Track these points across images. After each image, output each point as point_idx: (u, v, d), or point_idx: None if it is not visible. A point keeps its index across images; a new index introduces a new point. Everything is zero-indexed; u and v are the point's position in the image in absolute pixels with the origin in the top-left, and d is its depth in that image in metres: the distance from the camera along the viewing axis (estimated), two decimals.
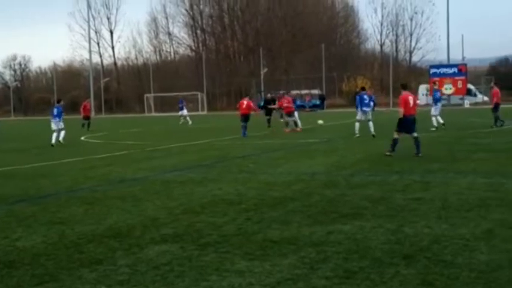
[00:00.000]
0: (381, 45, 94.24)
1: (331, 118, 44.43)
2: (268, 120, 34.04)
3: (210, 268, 6.09)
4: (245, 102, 28.95)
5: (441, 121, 27.94)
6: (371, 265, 6.02)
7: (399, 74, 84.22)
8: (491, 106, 28.67)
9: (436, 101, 28.84)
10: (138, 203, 10.19)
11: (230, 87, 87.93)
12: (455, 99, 68.66)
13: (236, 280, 5.67)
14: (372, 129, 23.70)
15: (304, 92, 71.51)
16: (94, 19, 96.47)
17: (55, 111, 26.07)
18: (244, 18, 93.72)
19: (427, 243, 6.80)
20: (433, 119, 28.14)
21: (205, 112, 74.63)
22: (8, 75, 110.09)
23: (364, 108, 24.18)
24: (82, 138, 29.99)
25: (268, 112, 34.72)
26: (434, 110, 28.45)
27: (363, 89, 27.21)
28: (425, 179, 11.86)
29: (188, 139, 26.21)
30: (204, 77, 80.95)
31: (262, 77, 79.42)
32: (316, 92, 73.99)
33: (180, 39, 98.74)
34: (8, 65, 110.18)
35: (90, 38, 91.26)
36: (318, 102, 70.33)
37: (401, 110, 16.82)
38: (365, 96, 24.64)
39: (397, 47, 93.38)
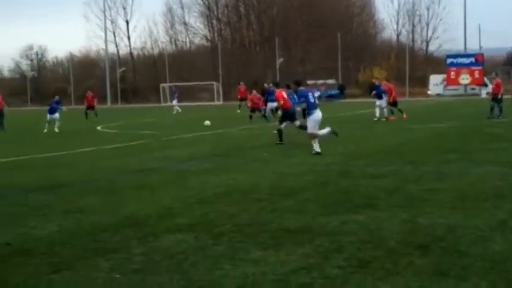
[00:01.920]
0: (398, 35, 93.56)
1: (348, 108, 44.31)
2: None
3: (224, 257, 6.12)
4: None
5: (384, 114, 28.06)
6: (385, 255, 6.02)
7: (416, 63, 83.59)
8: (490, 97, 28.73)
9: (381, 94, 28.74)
10: (153, 192, 10.24)
11: (246, 77, 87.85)
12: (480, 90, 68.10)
13: (250, 269, 5.70)
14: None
15: (320, 82, 71.15)
16: (110, 9, 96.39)
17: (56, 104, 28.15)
18: (260, 7, 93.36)
19: (442, 233, 6.79)
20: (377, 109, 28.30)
21: (220, 102, 74.61)
22: (24, 65, 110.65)
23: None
24: (98, 128, 30.13)
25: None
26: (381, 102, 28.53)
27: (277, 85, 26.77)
28: (440, 169, 11.82)
29: (203, 129, 26.25)
30: (219, 67, 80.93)
31: (277, 66, 79.23)
32: (332, 81, 73.65)
33: (196, 29, 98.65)
34: (25, 55, 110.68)
35: (106, 28, 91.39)
36: (333, 92, 69.92)
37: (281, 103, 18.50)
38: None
39: (413, 37, 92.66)
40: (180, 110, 45.18)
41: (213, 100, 75.28)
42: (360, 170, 12.01)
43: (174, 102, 47.21)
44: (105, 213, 8.56)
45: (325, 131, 15.97)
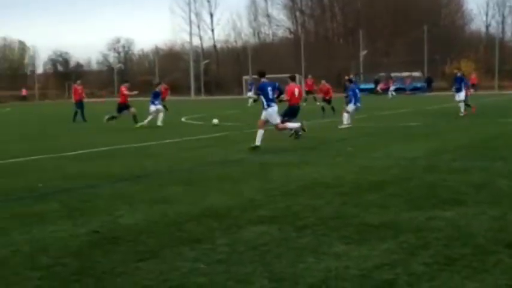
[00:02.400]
0: (487, 27, 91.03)
1: (434, 101, 43.35)
2: None
3: (307, 250, 6.09)
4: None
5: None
6: (473, 252, 5.84)
7: (505, 56, 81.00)
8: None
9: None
10: (236, 184, 10.31)
11: (329, 70, 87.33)
12: None
13: (333, 263, 5.65)
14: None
15: (405, 74, 69.84)
16: (195, 2, 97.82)
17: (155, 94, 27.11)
18: None
19: None
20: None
21: (303, 95, 74.49)
22: (112, 58, 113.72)
23: None
24: (182, 119, 30.63)
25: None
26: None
27: (350, 81, 25.98)
28: None
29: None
30: (302, 60, 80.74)
31: (361, 59, 78.38)
32: (417, 74, 72.16)
33: (279, 22, 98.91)
34: (112, 48, 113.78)
35: (190, 21, 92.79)
36: (419, 85, 68.47)
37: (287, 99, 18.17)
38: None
39: (503, 28, 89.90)
40: (254, 103, 44.34)
41: None
42: (446, 165, 11.72)
43: (250, 94, 47.25)
44: (189, 203, 8.68)
45: (294, 125, 16.47)
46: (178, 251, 6.21)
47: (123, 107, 26.94)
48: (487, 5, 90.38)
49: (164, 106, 38.60)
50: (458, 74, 29.20)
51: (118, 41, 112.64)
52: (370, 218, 7.38)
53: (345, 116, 22.18)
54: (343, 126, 21.56)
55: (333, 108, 29.46)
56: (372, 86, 68.90)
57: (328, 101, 30.87)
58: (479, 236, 6.39)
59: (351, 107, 22.65)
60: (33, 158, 15.11)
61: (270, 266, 5.64)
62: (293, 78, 19.72)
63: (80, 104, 31.62)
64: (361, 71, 77.19)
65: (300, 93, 19.24)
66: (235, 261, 5.80)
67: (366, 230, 6.84)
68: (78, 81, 34.80)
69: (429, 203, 8.15)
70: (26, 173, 12.45)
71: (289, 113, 18.77)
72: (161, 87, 39.71)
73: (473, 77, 65.55)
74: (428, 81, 71.46)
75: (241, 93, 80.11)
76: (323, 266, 5.57)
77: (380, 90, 65.37)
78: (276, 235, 6.74)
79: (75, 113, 31.23)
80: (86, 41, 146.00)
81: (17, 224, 7.59)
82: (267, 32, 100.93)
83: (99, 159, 14.64)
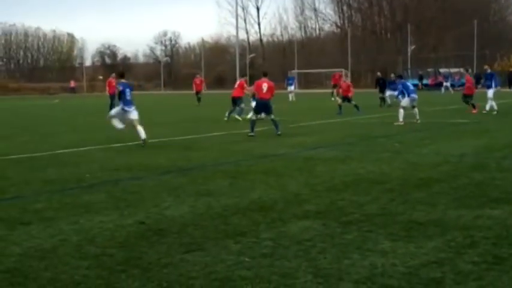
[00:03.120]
0: None
1: (482, 98, 42.56)
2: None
3: (352, 246, 6.05)
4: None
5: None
6: None
7: None
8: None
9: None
10: (280, 178, 10.30)
11: (375, 65, 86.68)
12: None
13: (379, 260, 5.60)
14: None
15: (453, 70, 68.72)
16: None
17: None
18: None
19: None
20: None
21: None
22: (158, 51, 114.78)
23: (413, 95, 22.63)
24: (226, 113, 30.68)
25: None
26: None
27: (400, 76, 25.85)
28: None
29: (330, 116, 26.13)
30: (349, 54, 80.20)
31: (409, 54, 77.46)
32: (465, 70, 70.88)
33: (326, 16, 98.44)
34: (159, 41, 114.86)
35: (237, 15, 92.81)
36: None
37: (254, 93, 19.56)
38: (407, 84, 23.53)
39: None
40: (294, 98, 42.80)
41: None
42: (495, 163, 11.50)
43: (291, 88, 45.63)
44: (234, 196, 8.70)
45: (119, 126, 16.35)
46: (223, 244, 6.24)
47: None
48: None
49: (199, 99, 38.73)
50: (489, 71, 28.77)
51: (165, 34, 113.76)
52: (417, 216, 7.29)
53: (401, 112, 21.82)
54: (398, 123, 21.27)
55: (356, 107, 27.79)
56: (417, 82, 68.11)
57: (349, 100, 28.65)
58: None
59: (405, 101, 22.32)
60: (81, 149, 15.36)
61: (315, 261, 5.62)
62: (265, 74, 19.99)
63: (114, 96, 32.02)
64: (409, 66, 76.26)
65: (269, 88, 19.07)
66: (280, 256, 5.80)
67: (413, 227, 6.76)
68: (113, 74, 35.03)
69: (477, 202, 8.01)
70: (75, 163, 12.64)
71: (257, 107, 19.46)
72: (195, 79, 39.67)
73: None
74: (477, 78, 70.24)
75: (286, 88, 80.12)
76: (368, 263, 5.53)
77: (421, 87, 64.34)
78: (321, 230, 6.71)
79: (111, 105, 31.57)
80: (134, 34, 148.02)
81: (65, 214, 7.72)
82: (313, 26, 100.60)
83: (145, 151, 14.78)
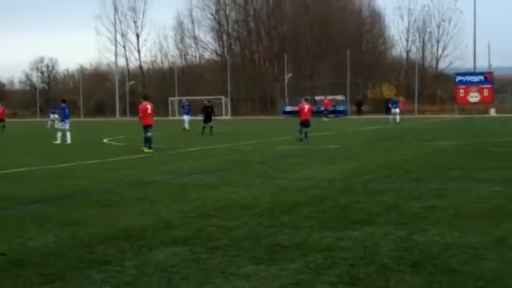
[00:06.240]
0: (407, 52, 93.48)
1: (354, 125, 44.26)
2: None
3: (216, 271, 6.11)
4: (306, 107, 27.03)
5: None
6: (377, 271, 6.00)
7: (425, 80, 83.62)
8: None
9: None
10: (153, 205, 10.24)
11: (254, 92, 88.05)
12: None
13: (241, 283, 5.68)
14: None
15: (328, 97, 70.98)
16: (121, 22, 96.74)
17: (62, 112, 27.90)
18: (269, 23, 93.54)
19: (436, 251, 6.76)
20: None
21: (229, 117, 74.73)
22: (35, 77, 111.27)
23: None
24: (104, 140, 30.22)
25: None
26: None
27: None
28: (443, 186, 11.78)
29: (209, 143, 26.29)
30: (228, 82, 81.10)
31: (286, 82, 79.34)
32: (340, 97, 73.48)
33: (206, 44, 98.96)
34: (36, 67, 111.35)
35: (116, 41, 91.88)
36: (342, 108, 69.70)
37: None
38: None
39: (423, 54, 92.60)
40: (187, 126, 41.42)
41: (221, 115, 75.41)
42: (362, 186, 11.98)
43: (186, 117, 42.36)
44: (103, 225, 8.56)
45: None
46: (86, 273, 6.12)
47: None
48: (408, 31, 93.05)
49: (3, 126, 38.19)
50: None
51: (41, 60, 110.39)
52: (282, 239, 7.47)
53: None
54: None
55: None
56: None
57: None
58: (385, 256, 6.57)
59: None
60: None
61: (177, 287, 5.63)
62: (146, 98, 23.94)
63: None
64: (286, 94, 78.08)
65: (152, 109, 22.84)
66: (143, 283, 5.77)
67: (277, 250, 6.92)
68: None
69: (340, 224, 8.32)
70: None
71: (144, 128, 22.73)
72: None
73: (401, 100, 67.65)
74: (359, 104, 73.02)
75: (167, 114, 79.75)
76: (230, 286, 5.61)
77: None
78: (187, 256, 6.73)
79: None
80: (8, 59, 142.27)
81: None
82: (193, 54, 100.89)
83: (14, 180, 14.28)
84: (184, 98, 61.87)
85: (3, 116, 41.29)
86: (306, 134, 25.77)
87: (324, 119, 56.91)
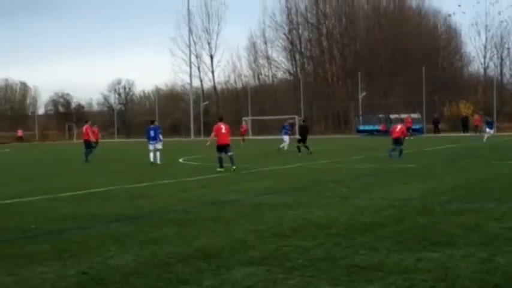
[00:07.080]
0: (485, 69, 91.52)
1: (431, 143, 43.45)
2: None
3: None
4: (399, 127, 28.44)
5: None
6: None
7: (504, 98, 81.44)
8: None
9: None
10: (228, 225, 10.31)
11: (327, 111, 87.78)
12: None
13: None
14: None
15: (403, 116, 70.04)
16: (195, 44, 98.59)
17: (152, 132, 27.82)
18: (343, 41, 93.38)
19: None
20: None
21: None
22: (112, 99, 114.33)
23: None
24: (180, 160, 30.69)
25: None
26: None
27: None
28: None
29: (283, 162, 26.32)
30: (301, 101, 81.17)
31: (360, 100, 78.79)
32: (416, 116, 72.32)
33: (279, 63, 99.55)
34: (113, 89, 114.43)
35: (191, 63, 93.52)
36: (417, 126, 68.50)
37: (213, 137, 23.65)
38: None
39: (502, 70, 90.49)
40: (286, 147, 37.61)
41: (294, 134, 75.49)
42: (440, 206, 11.73)
43: (285, 137, 38.17)
44: (180, 244, 8.68)
45: None
46: None
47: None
48: (485, 48, 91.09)
49: (95, 146, 37.16)
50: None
51: (119, 82, 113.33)
52: (360, 260, 7.38)
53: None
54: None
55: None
56: (371, 127, 69.67)
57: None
58: (466, 278, 6.40)
59: None
60: (29, 199, 15.13)
61: None
62: (221, 119, 24.42)
63: (89, 143, 32.23)
64: (360, 112, 77.48)
65: (226, 129, 23.53)
66: None
67: (355, 271, 6.84)
68: (89, 122, 35.16)
69: (419, 245, 8.16)
70: (21, 214, 12.45)
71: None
72: (85, 128, 36.88)
73: (476, 119, 66.15)
74: (436, 122, 71.65)
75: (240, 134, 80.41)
76: None
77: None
78: (264, 276, 6.74)
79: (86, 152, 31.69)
80: (87, 82, 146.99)
81: (6, 265, 7.60)
82: (266, 74, 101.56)
83: (93, 200, 14.65)
84: (288, 117, 61.25)
85: (98, 137, 40.95)
86: (400, 151, 26.92)
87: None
